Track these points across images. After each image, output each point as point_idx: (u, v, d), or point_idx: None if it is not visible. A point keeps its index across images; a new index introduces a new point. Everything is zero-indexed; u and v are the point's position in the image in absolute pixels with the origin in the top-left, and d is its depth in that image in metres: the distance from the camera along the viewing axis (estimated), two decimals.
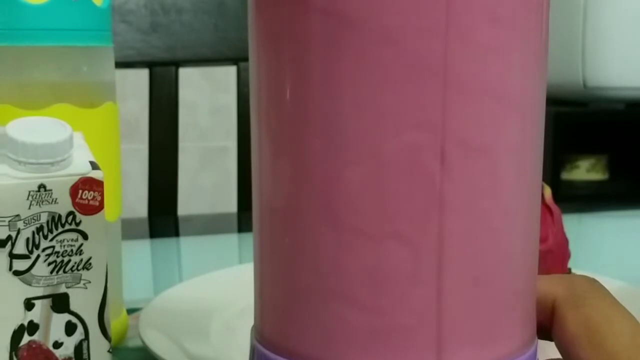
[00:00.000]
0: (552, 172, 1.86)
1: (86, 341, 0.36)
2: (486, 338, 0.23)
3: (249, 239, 0.26)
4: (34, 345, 0.35)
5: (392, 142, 0.22)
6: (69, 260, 0.35)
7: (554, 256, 0.43)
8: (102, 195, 0.35)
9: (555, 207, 0.45)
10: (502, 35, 0.22)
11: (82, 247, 0.35)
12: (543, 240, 0.43)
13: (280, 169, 0.24)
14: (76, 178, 0.35)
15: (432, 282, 0.22)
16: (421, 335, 0.22)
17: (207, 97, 1.90)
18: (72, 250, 0.35)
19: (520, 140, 0.23)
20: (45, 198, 0.34)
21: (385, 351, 0.22)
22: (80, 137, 0.37)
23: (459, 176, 0.22)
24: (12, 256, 0.34)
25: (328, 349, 0.23)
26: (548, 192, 0.45)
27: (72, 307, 0.35)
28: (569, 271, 0.45)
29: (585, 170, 2.01)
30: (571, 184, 1.97)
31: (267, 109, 0.24)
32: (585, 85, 1.88)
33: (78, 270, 0.35)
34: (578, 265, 0.45)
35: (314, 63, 0.22)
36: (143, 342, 0.42)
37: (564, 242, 0.45)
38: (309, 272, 0.23)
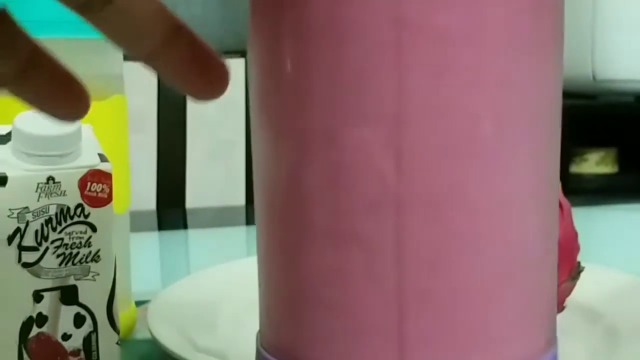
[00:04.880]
0: (561, 165, 1.85)
1: (95, 333, 0.36)
2: (452, 340, 0.22)
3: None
4: (42, 337, 0.35)
5: (344, 137, 0.21)
6: (78, 253, 0.35)
7: (563, 250, 0.43)
8: (110, 188, 0.35)
9: (564, 200, 0.45)
10: (455, 23, 0.21)
11: (91, 240, 0.35)
12: None
13: (259, 173, 0.24)
14: (85, 170, 0.35)
15: (390, 282, 0.21)
16: (383, 335, 0.22)
17: None
18: (80, 243, 0.35)
19: (489, 137, 0.21)
20: (54, 190, 0.34)
21: (355, 350, 0.22)
22: (89, 130, 0.37)
23: (419, 176, 0.21)
24: (21, 248, 0.34)
25: (313, 350, 0.23)
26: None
27: (81, 299, 0.35)
28: (578, 265, 0.44)
29: (594, 164, 2.01)
30: (580, 177, 1.97)
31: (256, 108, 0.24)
32: (594, 78, 1.87)
33: (87, 262, 0.35)
34: (587, 259, 0.45)
35: (276, 60, 0.22)
36: (151, 334, 0.42)
37: (573, 235, 0.44)
38: (288, 275, 0.23)
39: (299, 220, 0.22)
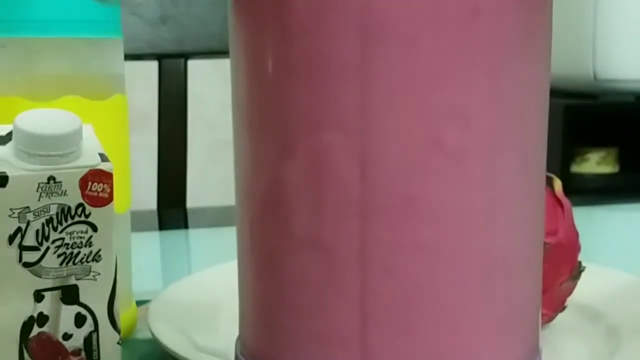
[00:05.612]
0: (561, 165, 1.86)
1: (95, 333, 0.36)
2: (418, 352, 0.21)
3: None
4: (43, 337, 0.35)
5: (311, 143, 0.21)
6: (79, 252, 0.35)
7: (564, 249, 0.43)
8: (111, 187, 0.35)
9: (565, 200, 0.45)
10: (423, 30, 0.20)
11: (92, 239, 0.35)
12: (553, 233, 0.43)
13: (236, 176, 0.24)
14: (85, 170, 0.35)
15: (354, 290, 0.21)
16: (346, 344, 0.21)
17: (216, 90, 1.90)
18: (81, 242, 0.35)
19: (454, 148, 0.21)
20: (55, 190, 0.34)
21: (322, 358, 0.22)
22: (90, 129, 0.37)
23: (382, 185, 0.21)
24: (22, 248, 0.34)
25: (284, 357, 0.22)
26: (558, 185, 0.45)
27: (82, 299, 0.35)
28: (579, 265, 0.44)
29: (595, 163, 2.01)
30: (581, 176, 1.97)
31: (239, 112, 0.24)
32: (595, 78, 1.87)
33: (87, 262, 0.35)
34: (588, 258, 0.45)
35: (242, 60, 0.22)
36: (152, 333, 0.42)
37: (574, 235, 0.44)
38: (261, 281, 0.23)
39: (270, 225, 0.22)
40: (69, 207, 0.35)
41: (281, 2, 0.21)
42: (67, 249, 0.35)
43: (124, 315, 0.43)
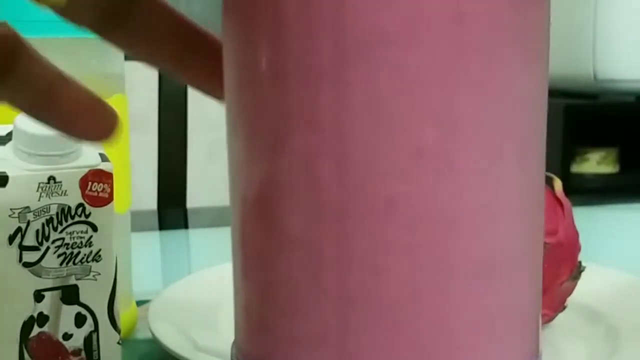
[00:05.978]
0: (562, 165, 1.86)
1: (96, 333, 0.36)
2: (398, 355, 0.21)
3: None
4: (43, 337, 0.35)
5: (292, 142, 0.21)
6: (79, 252, 0.35)
7: (564, 249, 0.43)
8: (111, 187, 0.35)
9: (565, 200, 0.45)
10: (402, 34, 0.20)
11: (92, 239, 0.35)
12: (553, 233, 0.43)
13: (229, 176, 0.24)
14: (86, 170, 0.35)
15: (333, 292, 0.21)
16: (326, 345, 0.21)
17: None
18: (81, 242, 0.35)
19: (437, 149, 0.21)
20: (55, 190, 0.34)
21: (304, 358, 0.22)
22: None
23: (359, 187, 0.20)
24: (22, 248, 0.34)
25: (272, 358, 0.22)
26: (558, 185, 0.45)
27: (82, 299, 0.35)
28: (579, 264, 0.44)
29: (595, 163, 2.01)
30: (581, 176, 1.97)
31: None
32: (595, 78, 1.87)
33: (88, 262, 0.35)
34: (588, 258, 0.45)
35: (228, 61, 0.23)
36: (152, 333, 0.42)
37: (574, 235, 0.44)
38: (250, 282, 0.23)
39: (256, 227, 0.22)
40: (69, 207, 0.35)
41: (268, 6, 0.21)
42: (67, 249, 0.35)
43: (124, 315, 0.43)
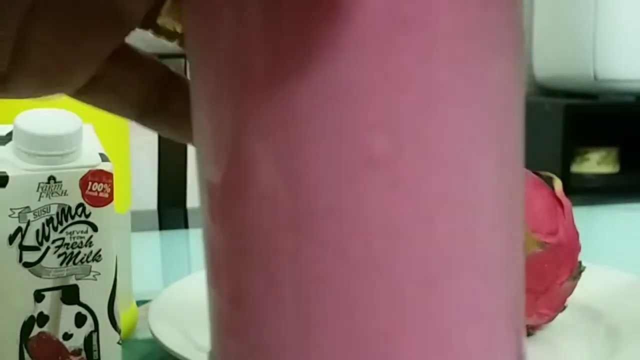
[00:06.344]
0: (562, 164, 1.86)
1: (96, 333, 0.36)
2: None
3: None
4: (43, 337, 0.35)
5: (240, 149, 0.21)
6: (79, 252, 0.35)
7: (564, 249, 0.43)
8: (111, 187, 0.35)
9: (565, 200, 0.45)
10: (345, 39, 0.19)
11: (92, 239, 0.35)
12: (553, 233, 0.43)
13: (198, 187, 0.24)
14: (86, 170, 0.35)
15: (290, 304, 0.21)
16: (290, 354, 0.21)
17: None
18: (81, 242, 0.35)
19: (385, 156, 0.20)
20: (55, 190, 0.34)
21: None
22: (90, 129, 0.37)
23: (309, 196, 0.20)
24: (22, 248, 0.34)
25: None
26: (558, 185, 0.45)
27: (82, 299, 0.35)
28: (579, 265, 0.44)
29: (595, 163, 2.01)
30: (581, 176, 1.97)
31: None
32: (595, 78, 1.87)
33: (88, 262, 0.35)
34: (588, 258, 0.45)
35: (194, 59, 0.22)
36: (152, 333, 0.42)
37: (574, 235, 0.44)
38: (214, 290, 0.23)
39: (215, 238, 0.22)
40: (69, 207, 0.35)
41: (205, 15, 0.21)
42: (67, 248, 0.35)
43: (124, 315, 0.43)
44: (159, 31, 0.26)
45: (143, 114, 0.26)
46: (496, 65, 0.21)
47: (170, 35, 0.26)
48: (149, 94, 0.26)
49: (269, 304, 0.21)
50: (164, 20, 0.26)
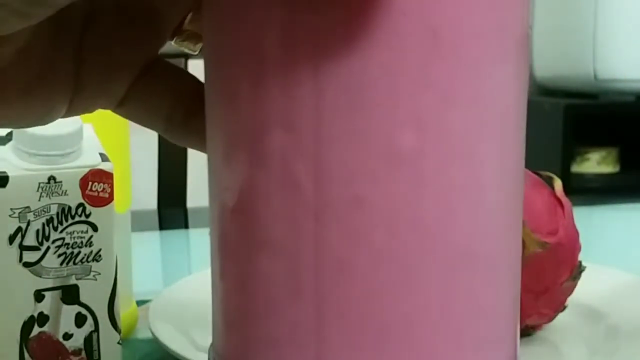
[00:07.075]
0: (562, 164, 1.86)
1: (96, 333, 0.36)
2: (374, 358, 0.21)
3: None
4: (44, 337, 0.35)
5: (262, 142, 0.21)
6: (79, 252, 0.35)
7: (564, 249, 0.43)
8: (111, 187, 0.35)
9: (565, 200, 0.45)
10: (374, 41, 0.20)
11: (92, 239, 0.35)
12: (554, 232, 0.43)
13: (208, 178, 0.24)
14: (86, 170, 0.35)
15: (309, 294, 0.21)
16: (302, 348, 0.21)
17: None
18: (82, 242, 0.35)
19: (411, 149, 0.21)
20: (55, 190, 0.34)
21: None
22: (90, 129, 0.37)
23: (334, 187, 0.20)
24: (22, 248, 0.34)
25: (254, 358, 0.23)
26: (558, 185, 0.45)
27: (82, 299, 0.35)
28: (579, 264, 0.44)
29: (595, 163, 2.01)
30: (581, 176, 1.97)
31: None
32: (596, 77, 1.87)
33: (88, 262, 0.35)
34: (588, 258, 0.45)
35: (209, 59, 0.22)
36: (152, 333, 0.42)
37: (575, 234, 0.44)
38: (225, 284, 0.23)
39: (233, 226, 0.22)
40: (70, 207, 0.35)
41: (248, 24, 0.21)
42: (67, 248, 0.35)
43: (124, 315, 0.43)
44: (182, 40, 0.26)
45: (171, 123, 0.26)
46: (508, 64, 0.22)
47: (195, 42, 0.26)
48: (177, 103, 0.26)
49: (285, 292, 0.21)
50: (187, 29, 0.26)
